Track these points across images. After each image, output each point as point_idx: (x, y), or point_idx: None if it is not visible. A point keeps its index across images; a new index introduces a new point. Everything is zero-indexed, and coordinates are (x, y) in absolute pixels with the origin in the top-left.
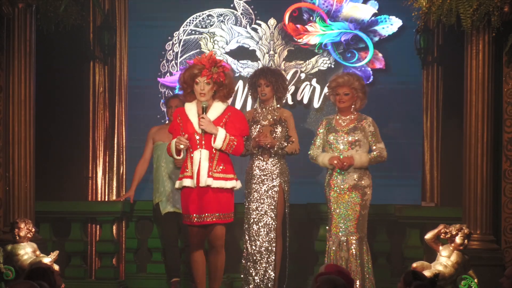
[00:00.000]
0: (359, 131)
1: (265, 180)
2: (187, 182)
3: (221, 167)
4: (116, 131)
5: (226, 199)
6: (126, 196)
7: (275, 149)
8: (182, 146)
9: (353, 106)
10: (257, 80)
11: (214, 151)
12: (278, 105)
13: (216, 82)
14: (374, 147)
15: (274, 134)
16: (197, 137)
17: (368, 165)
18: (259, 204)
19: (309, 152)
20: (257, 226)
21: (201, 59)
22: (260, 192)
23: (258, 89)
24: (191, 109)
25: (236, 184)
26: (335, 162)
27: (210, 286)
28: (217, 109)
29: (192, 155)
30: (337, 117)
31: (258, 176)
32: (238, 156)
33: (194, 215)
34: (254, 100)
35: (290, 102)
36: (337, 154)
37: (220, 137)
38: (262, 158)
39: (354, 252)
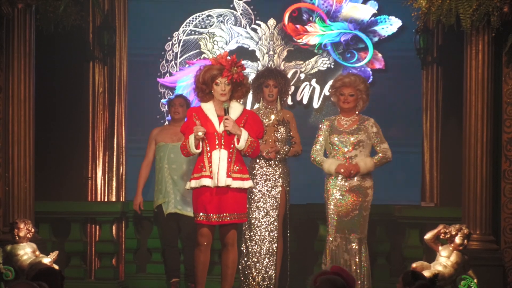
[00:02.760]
0: (362, 132)
1: (267, 180)
2: (207, 182)
3: (238, 167)
4: (115, 131)
5: (243, 199)
6: (138, 203)
7: (280, 154)
8: (200, 134)
9: (356, 107)
10: (265, 81)
11: (232, 152)
12: (281, 106)
13: (235, 82)
14: (378, 148)
15: (277, 134)
16: (217, 137)
17: (374, 169)
18: (261, 204)
19: (311, 154)
20: (259, 226)
21: (218, 59)
22: (262, 192)
23: (265, 89)
24: (209, 109)
25: (252, 184)
26: (342, 170)
27: (221, 285)
28: (236, 110)
29: (210, 154)
30: (339, 118)
31: (260, 176)
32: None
33: (212, 215)
34: (256, 100)
35: (289, 102)
36: (340, 155)
37: (244, 138)
38: (264, 159)
39: (354, 253)
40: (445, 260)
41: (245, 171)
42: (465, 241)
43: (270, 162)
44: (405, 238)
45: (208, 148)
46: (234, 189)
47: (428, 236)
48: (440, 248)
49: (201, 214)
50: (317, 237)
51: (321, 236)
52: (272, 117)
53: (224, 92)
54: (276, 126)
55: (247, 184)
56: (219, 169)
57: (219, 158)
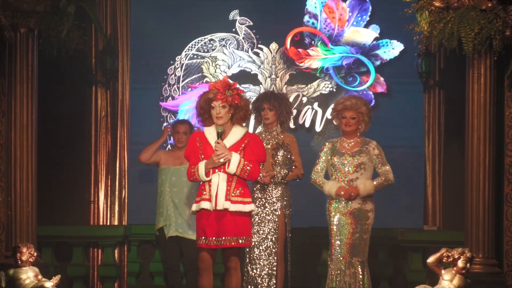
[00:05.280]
0: (364, 154)
1: (266, 203)
2: (206, 205)
3: (239, 191)
4: (118, 155)
5: (244, 223)
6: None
7: (275, 178)
8: (222, 160)
9: (358, 129)
10: (260, 104)
11: (232, 175)
12: (282, 129)
13: (231, 105)
14: (379, 170)
15: (276, 158)
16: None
17: (374, 192)
18: (260, 227)
19: (311, 176)
20: (258, 250)
21: (215, 84)
22: (262, 215)
23: (262, 113)
24: (210, 133)
25: (254, 208)
26: (342, 193)
27: None
28: (235, 134)
29: (210, 178)
30: (341, 140)
31: (259, 199)
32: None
33: (213, 238)
34: (258, 124)
35: (292, 125)
36: (341, 177)
37: (234, 162)
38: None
39: (355, 277)
40: (448, 283)
41: (247, 195)
42: (468, 264)
43: (268, 185)
44: (408, 262)
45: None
46: (234, 212)
47: (430, 259)
48: (443, 271)
49: (201, 238)
50: (320, 261)
51: (324, 260)
52: (272, 140)
53: (220, 115)
54: (274, 149)
55: (248, 207)
56: (217, 192)
57: (218, 181)
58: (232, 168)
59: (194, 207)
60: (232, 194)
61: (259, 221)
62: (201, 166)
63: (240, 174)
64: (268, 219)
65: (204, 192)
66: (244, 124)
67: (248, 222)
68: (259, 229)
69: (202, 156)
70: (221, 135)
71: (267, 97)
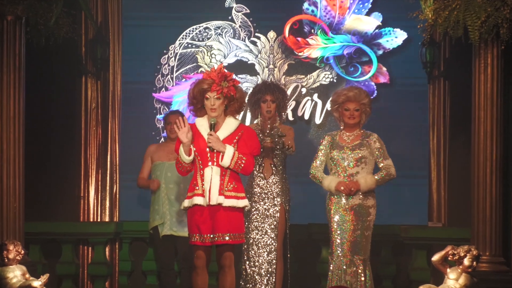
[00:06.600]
0: (364, 147)
1: (265, 198)
2: (199, 200)
3: (232, 185)
4: (109, 148)
5: (237, 219)
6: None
7: (275, 143)
8: (186, 140)
9: (360, 122)
10: (262, 96)
11: (225, 169)
12: (279, 122)
13: (226, 96)
14: (381, 164)
15: (276, 151)
16: (209, 154)
17: (376, 187)
18: (259, 223)
19: (310, 171)
20: (257, 247)
21: (210, 73)
22: (261, 211)
23: (263, 105)
24: (202, 125)
25: (247, 203)
26: (342, 188)
27: None
28: (229, 126)
29: (203, 172)
30: (341, 133)
31: (258, 195)
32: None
33: (206, 235)
34: (254, 117)
35: (290, 118)
36: (341, 171)
37: (228, 155)
38: (262, 176)
39: (357, 276)
40: (453, 282)
41: (241, 190)
42: (474, 262)
43: (268, 180)
44: (411, 260)
45: (201, 166)
46: (227, 208)
47: (435, 257)
48: (448, 270)
49: (195, 235)
50: (319, 259)
51: (323, 258)
52: (271, 132)
53: (214, 107)
54: (273, 142)
55: (242, 203)
56: (211, 187)
57: (211, 175)
58: (226, 161)
59: (186, 202)
60: (226, 189)
61: (258, 216)
62: (181, 148)
63: (234, 167)
64: (268, 215)
65: (197, 187)
66: (239, 118)
67: (241, 218)
68: (258, 225)
69: (194, 149)
70: (214, 127)
71: (270, 89)
